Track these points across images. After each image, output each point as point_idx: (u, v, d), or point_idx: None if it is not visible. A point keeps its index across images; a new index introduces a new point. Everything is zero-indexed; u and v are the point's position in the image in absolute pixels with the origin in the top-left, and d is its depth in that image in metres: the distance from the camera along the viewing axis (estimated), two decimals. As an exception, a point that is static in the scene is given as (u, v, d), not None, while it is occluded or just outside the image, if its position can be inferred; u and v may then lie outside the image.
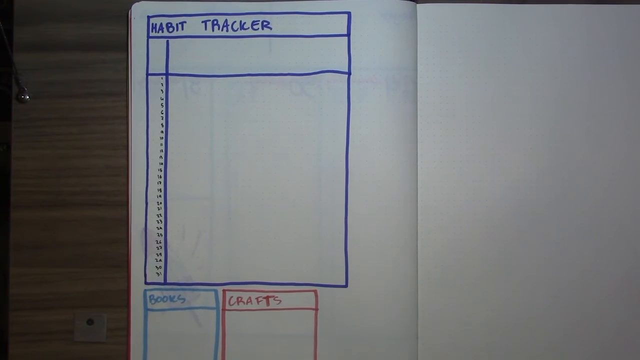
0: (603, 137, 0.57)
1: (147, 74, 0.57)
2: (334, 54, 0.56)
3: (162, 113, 0.57)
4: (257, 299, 0.56)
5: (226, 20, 0.57)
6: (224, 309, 0.56)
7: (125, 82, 0.57)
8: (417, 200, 0.56)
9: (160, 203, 0.56)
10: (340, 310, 0.56)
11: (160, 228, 0.56)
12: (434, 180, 0.57)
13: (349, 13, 0.56)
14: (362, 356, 0.56)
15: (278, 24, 0.57)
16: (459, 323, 0.56)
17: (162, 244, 0.56)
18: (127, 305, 0.56)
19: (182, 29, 0.57)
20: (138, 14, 0.57)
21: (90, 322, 0.57)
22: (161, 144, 0.57)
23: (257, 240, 0.56)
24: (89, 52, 0.58)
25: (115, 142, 0.58)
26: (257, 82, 0.57)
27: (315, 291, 0.56)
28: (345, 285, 0.56)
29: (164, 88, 0.57)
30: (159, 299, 0.56)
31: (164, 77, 0.57)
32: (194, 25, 0.57)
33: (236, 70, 0.57)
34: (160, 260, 0.56)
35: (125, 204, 0.57)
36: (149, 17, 0.57)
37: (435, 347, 0.56)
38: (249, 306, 0.56)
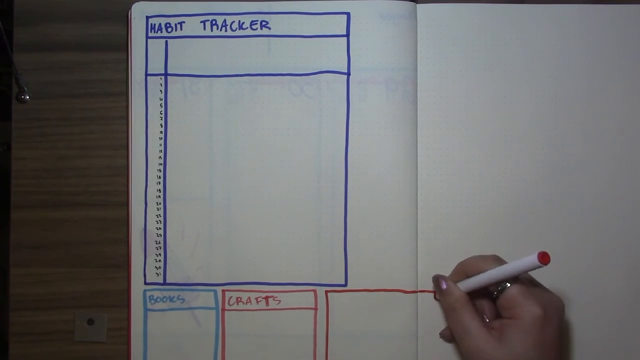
0: (602, 137, 0.57)
1: (146, 74, 0.57)
2: (333, 54, 0.56)
3: (161, 113, 0.57)
4: (256, 299, 0.56)
5: (225, 20, 0.57)
6: (223, 309, 0.56)
7: (125, 82, 0.57)
8: (417, 200, 0.56)
9: (160, 203, 0.57)
10: (340, 310, 0.56)
11: (160, 228, 0.56)
12: (434, 180, 0.57)
13: (348, 13, 0.56)
14: (362, 356, 0.56)
15: (277, 24, 0.57)
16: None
17: (162, 245, 0.56)
18: (127, 305, 0.57)
19: (181, 29, 0.57)
20: (137, 14, 0.57)
21: (90, 322, 0.57)
22: (160, 145, 0.57)
23: (256, 241, 0.56)
24: (89, 52, 0.58)
25: (116, 142, 0.58)
26: (256, 82, 0.57)
27: (314, 291, 0.56)
28: (345, 285, 0.56)
29: (163, 88, 0.57)
30: (158, 299, 0.56)
31: (162, 77, 0.57)
32: (192, 26, 0.57)
33: (235, 71, 0.57)
34: (159, 260, 0.56)
35: (125, 204, 0.57)
36: (147, 17, 0.57)
37: (435, 347, 0.56)
38: (249, 306, 0.56)
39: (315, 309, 0.56)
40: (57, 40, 0.58)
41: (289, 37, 0.57)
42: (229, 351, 0.56)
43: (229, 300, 0.56)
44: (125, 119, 0.57)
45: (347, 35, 0.56)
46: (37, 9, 0.58)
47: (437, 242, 0.56)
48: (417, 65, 0.57)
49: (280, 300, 0.56)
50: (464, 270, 0.53)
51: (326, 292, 0.56)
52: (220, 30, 0.57)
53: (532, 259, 0.47)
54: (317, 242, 0.56)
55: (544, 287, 0.51)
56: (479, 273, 0.52)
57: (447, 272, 0.55)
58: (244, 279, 0.56)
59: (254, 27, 0.57)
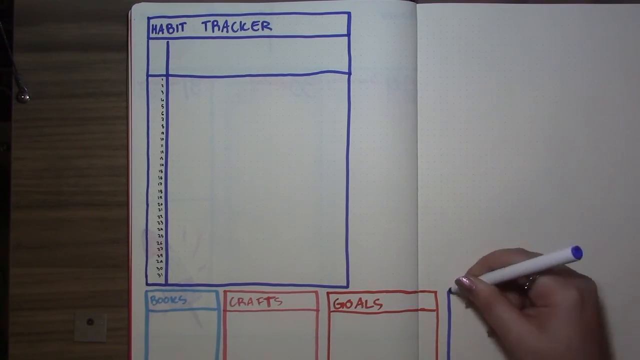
0: (603, 137, 0.57)
1: (148, 75, 0.57)
2: (334, 54, 0.56)
3: (163, 114, 0.57)
4: (258, 299, 0.56)
5: (226, 21, 0.57)
6: (225, 310, 0.56)
7: (125, 82, 0.57)
8: (417, 200, 0.56)
9: (161, 204, 0.56)
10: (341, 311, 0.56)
11: (161, 229, 0.56)
12: (434, 180, 0.57)
13: (349, 13, 0.56)
14: (363, 356, 0.56)
15: (278, 25, 0.57)
16: (459, 323, 0.56)
17: (163, 245, 0.56)
18: (127, 305, 0.57)
19: (182, 30, 0.57)
20: (138, 15, 0.57)
21: (90, 322, 0.57)
22: (161, 145, 0.57)
23: (257, 241, 0.56)
24: (89, 52, 0.58)
25: (115, 142, 0.58)
26: (257, 82, 0.57)
27: (316, 292, 0.56)
28: (347, 286, 0.56)
29: (164, 89, 0.57)
30: (160, 300, 0.56)
31: (164, 78, 0.57)
32: (194, 26, 0.57)
33: (236, 71, 0.57)
34: (161, 261, 0.56)
35: (125, 205, 0.57)
36: (149, 18, 0.57)
37: (436, 347, 0.56)
38: (250, 307, 0.56)
39: (317, 310, 0.56)
40: (57, 40, 0.58)
41: (290, 38, 0.57)
42: (231, 352, 0.56)
43: (230, 301, 0.56)
44: (125, 119, 0.57)
45: (348, 34, 0.56)
46: (37, 9, 0.58)
47: (437, 242, 0.56)
48: (417, 64, 0.57)
49: (281, 302, 0.56)
50: (488, 263, 0.54)
51: (328, 293, 0.56)
52: (222, 31, 0.57)
53: (567, 254, 0.48)
54: (319, 243, 0.56)
55: (575, 272, 0.52)
56: (505, 266, 0.52)
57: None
58: (245, 280, 0.56)
59: (255, 27, 0.57)
